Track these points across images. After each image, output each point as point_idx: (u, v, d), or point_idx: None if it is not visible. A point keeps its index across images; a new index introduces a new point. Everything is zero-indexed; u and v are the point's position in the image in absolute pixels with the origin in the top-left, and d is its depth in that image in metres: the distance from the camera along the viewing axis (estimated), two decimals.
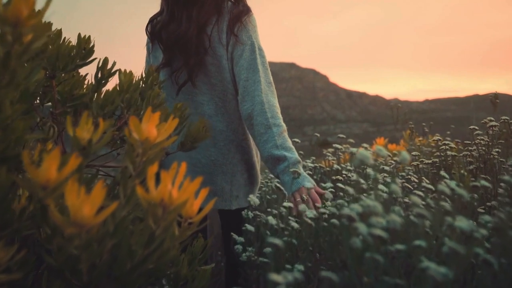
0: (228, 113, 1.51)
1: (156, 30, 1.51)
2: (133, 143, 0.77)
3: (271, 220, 0.90)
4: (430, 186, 0.94)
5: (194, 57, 1.44)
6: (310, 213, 0.88)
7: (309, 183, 1.33)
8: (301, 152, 2.34)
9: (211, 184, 1.50)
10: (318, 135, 2.34)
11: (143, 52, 1.63)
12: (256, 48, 1.45)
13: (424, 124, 2.39)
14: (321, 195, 1.36)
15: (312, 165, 2.20)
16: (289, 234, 0.85)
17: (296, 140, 2.20)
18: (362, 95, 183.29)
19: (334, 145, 2.11)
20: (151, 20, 1.56)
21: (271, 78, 1.48)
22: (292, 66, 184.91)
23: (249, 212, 1.12)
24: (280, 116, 1.43)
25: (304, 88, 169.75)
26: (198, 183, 0.69)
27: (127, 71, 1.10)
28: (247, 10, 1.48)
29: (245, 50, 1.44)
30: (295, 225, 0.82)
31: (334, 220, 0.85)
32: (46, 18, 0.68)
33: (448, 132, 2.33)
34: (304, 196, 1.31)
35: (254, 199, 1.05)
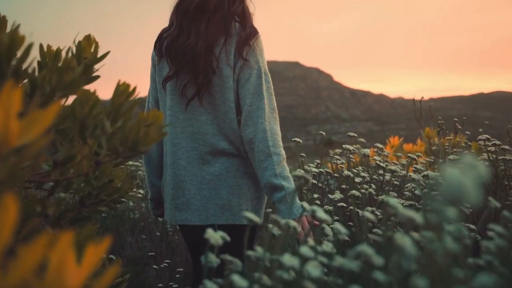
0: (230, 132, 1.52)
1: (165, 44, 1.52)
2: None
3: (239, 282, 0.52)
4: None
5: (202, 75, 1.46)
6: (313, 269, 0.49)
7: (299, 212, 1.35)
8: (303, 154, 1.95)
9: (218, 198, 1.49)
10: (323, 133, 1.95)
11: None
12: (263, 74, 1.47)
13: (456, 119, 1.98)
14: (316, 226, 1.23)
15: (316, 170, 1.80)
16: None
17: (297, 139, 1.84)
18: (366, 94, 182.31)
19: (344, 145, 1.71)
20: (160, 36, 1.56)
21: (275, 104, 1.50)
22: (296, 65, 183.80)
23: (214, 257, 0.72)
24: (281, 144, 1.45)
25: (308, 87, 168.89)
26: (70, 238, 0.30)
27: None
28: (254, 33, 1.49)
29: (252, 75, 1.46)
30: None
31: None
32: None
33: (481, 130, 1.93)
34: (298, 228, 1.15)
35: (213, 234, 0.66)
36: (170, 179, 1.53)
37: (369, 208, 0.97)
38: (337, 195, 1.59)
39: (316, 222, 1.31)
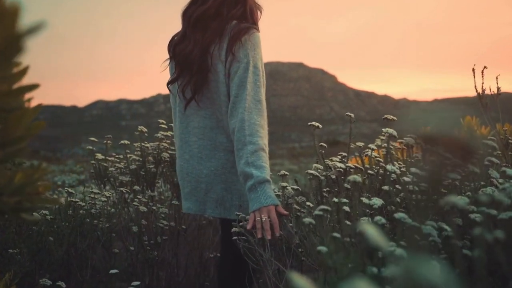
0: (226, 126, 1.55)
1: (172, 47, 1.62)
2: None
3: None
4: None
5: (196, 76, 1.53)
6: None
7: (269, 202, 1.38)
8: (323, 144, 1.46)
9: (213, 192, 1.56)
10: (354, 127, 1.45)
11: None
12: (251, 66, 1.48)
13: None
14: (283, 215, 1.40)
15: (342, 166, 1.31)
16: None
17: (315, 124, 1.43)
18: (370, 95, 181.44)
19: (385, 129, 1.22)
20: (171, 39, 1.65)
21: (261, 96, 1.50)
22: (300, 65, 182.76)
23: None
24: (261, 134, 1.44)
25: (312, 88, 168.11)
26: None
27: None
28: (248, 29, 1.51)
29: (240, 68, 1.48)
30: None
31: None
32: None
33: None
34: (263, 217, 1.36)
35: None
36: (179, 171, 1.64)
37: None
38: (377, 201, 1.09)
39: (285, 212, 1.40)
